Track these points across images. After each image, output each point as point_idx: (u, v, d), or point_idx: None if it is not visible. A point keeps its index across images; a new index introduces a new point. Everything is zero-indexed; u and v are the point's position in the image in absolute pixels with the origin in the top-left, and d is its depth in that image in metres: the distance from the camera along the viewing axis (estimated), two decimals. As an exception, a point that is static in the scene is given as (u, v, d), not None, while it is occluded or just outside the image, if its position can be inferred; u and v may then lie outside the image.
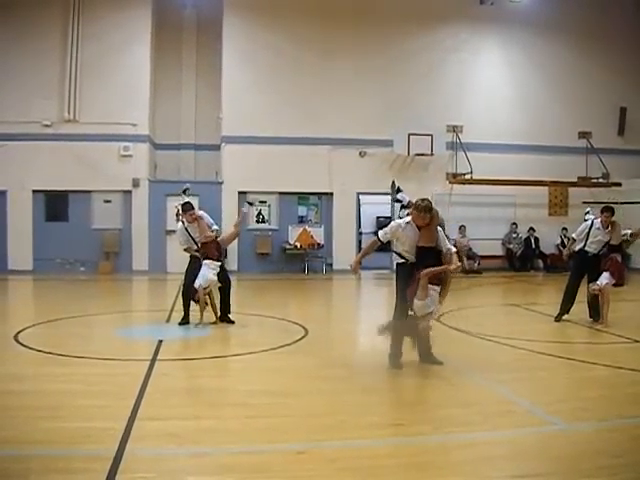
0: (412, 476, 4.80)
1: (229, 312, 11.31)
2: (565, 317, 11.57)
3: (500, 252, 22.52)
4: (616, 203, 21.73)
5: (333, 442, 5.45)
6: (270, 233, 21.38)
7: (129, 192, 20.77)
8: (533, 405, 6.49)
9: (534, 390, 7.11)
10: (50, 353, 8.59)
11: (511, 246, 22.33)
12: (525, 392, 7.01)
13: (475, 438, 5.63)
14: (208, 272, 10.80)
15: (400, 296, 7.98)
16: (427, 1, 21.93)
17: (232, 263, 20.75)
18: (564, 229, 21.96)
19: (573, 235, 11.55)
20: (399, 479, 4.75)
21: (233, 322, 11.17)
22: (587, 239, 11.32)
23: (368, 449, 5.35)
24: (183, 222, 11.33)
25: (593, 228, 11.31)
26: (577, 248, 11.43)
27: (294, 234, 21.50)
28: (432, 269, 7.49)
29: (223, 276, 11.31)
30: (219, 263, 11.07)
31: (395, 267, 8.35)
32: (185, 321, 11.15)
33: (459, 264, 8.04)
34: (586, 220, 11.53)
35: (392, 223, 8.23)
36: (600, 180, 22.50)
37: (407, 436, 5.69)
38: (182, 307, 11.30)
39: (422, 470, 4.89)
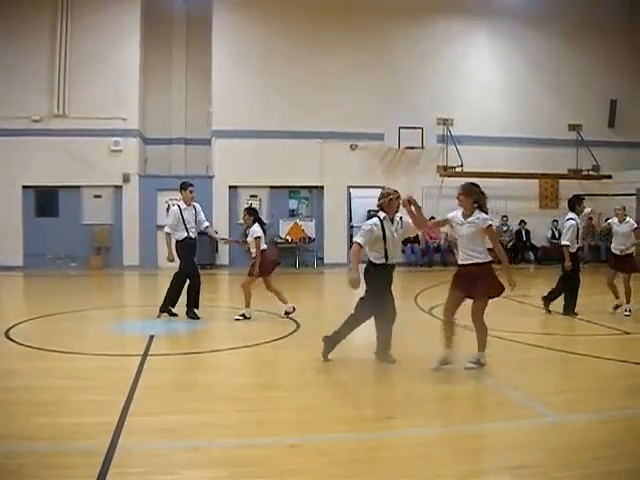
0: (406, 469, 4.79)
1: (197, 307, 11.38)
2: (556, 310, 11.65)
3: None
4: (606, 195, 21.93)
5: (326, 435, 5.45)
6: (261, 227, 21.29)
7: (119, 187, 20.72)
8: (527, 397, 6.51)
9: (527, 382, 7.11)
10: (41, 349, 8.56)
11: (502, 239, 22.34)
12: (518, 384, 7.02)
13: (469, 430, 5.64)
14: None
15: (383, 297, 7.85)
16: (417, -6, 21.92)
17: (223, 257, 20.77)
18: (555, 221, 22.05)
19: (565, 242, 11.25)
20: (393, 472, 4.75)
21: (198, 318, 11.21)
22: (577, 239, 11.38)
23: (361, 442, 5.35)
24: (179, 205, 11.30)
25: (580, 226, 11.41)
26: (573, 250, 11.38)
27: (285, 228, 21.50)
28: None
29: (194, 271, 11.40)
30: None
31: (373, 268, 7.84)
32: (174, 313, 11.27)
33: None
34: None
35: (364, 226, 7.77)
36: (591, 172, 22.58)
37: (400, 429, 5.69)
38: (172, 299, 11.34)
39: (416, 463, 4.89)
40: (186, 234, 11.21)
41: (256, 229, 11.00)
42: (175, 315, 11.27)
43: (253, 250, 11.03)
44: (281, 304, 11.21)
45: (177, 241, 11.23)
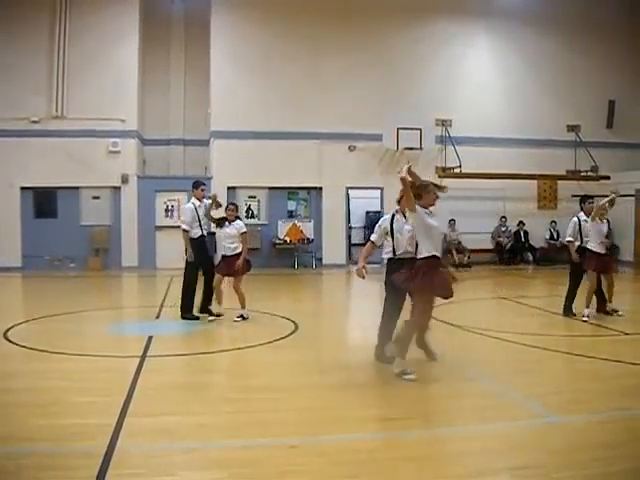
0: (405, 469, 4.79)
1: (191, 310, 11.42)
2: (554, 310, 11.66)
3: (490, 246, 22.53)
4: (605, 196, 21.91)
5: (325, 436, 5.45)
6: (259, 228, 21.30)
7: (118, 188, 20.66)
8: (526, 398, 6.51)
9: (526, 383, 7.13)
10: (40, 350, 8.55)
11: (500, 239, 22.36)
12: (517, 385, 7.03)
13: (468, 431, 5.64)
14: None
15: (393, 294, 7.85)
16: (416, -5, 21.93)
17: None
18: (553, 222, 22.07)
19: (569, 238, 11.41)
20: (392, 473, 4.75)
21: (197, 318, 11.26)
22: (581, 236, 11.36)
23: (361, 443, 5.34)
24: (193, 203, 11.41)
25: (582, 223, 11.38)
26: (576, 246, 11.39)
27: (284, 229, 21.49)
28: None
29: (197, 273, 11.46)
30: None
31: (387, 264, 7.97)
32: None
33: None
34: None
35: (379, 222, 8.10)
36: (589, 173, 22.55)
37: (400, 430, 5.69)
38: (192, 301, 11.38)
39: (415, 463, 4.89)
40: (201, 232, 11.36)
41: (242, 224, 11.22)
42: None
43: (233, 246, 11.12)
44: (218, 305, 11.34)
45: (191, 239, 11.27)
